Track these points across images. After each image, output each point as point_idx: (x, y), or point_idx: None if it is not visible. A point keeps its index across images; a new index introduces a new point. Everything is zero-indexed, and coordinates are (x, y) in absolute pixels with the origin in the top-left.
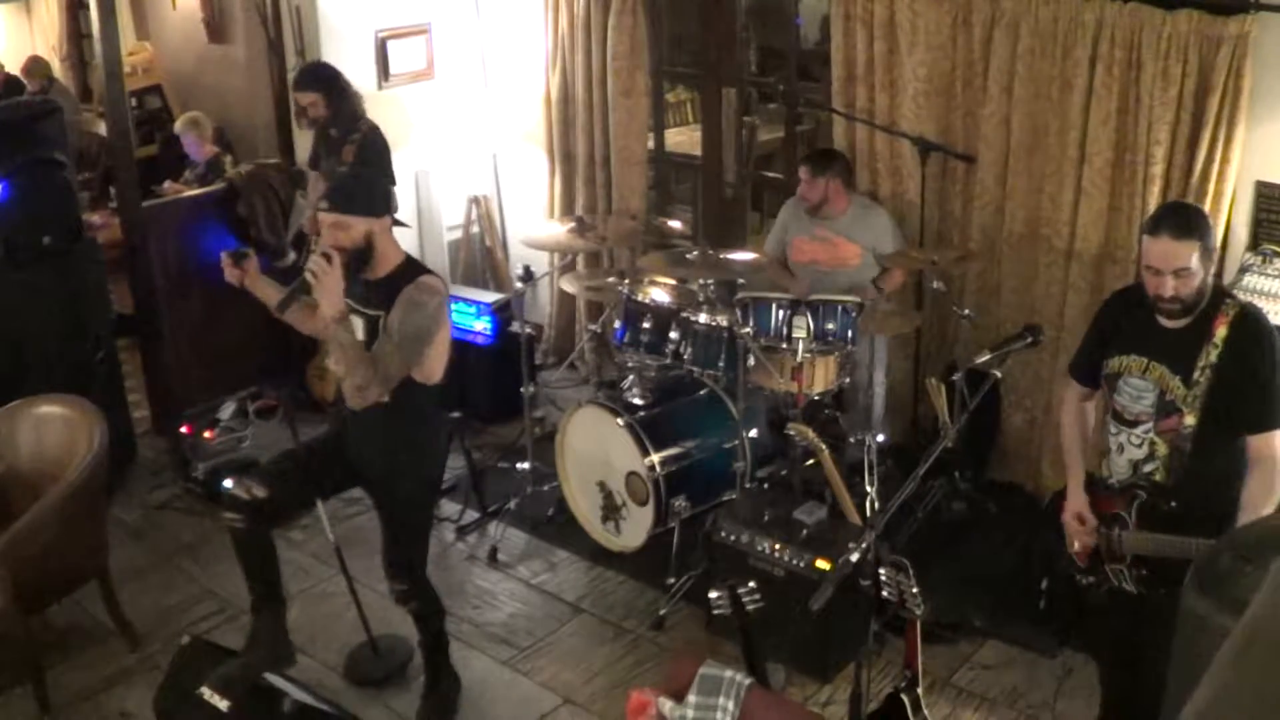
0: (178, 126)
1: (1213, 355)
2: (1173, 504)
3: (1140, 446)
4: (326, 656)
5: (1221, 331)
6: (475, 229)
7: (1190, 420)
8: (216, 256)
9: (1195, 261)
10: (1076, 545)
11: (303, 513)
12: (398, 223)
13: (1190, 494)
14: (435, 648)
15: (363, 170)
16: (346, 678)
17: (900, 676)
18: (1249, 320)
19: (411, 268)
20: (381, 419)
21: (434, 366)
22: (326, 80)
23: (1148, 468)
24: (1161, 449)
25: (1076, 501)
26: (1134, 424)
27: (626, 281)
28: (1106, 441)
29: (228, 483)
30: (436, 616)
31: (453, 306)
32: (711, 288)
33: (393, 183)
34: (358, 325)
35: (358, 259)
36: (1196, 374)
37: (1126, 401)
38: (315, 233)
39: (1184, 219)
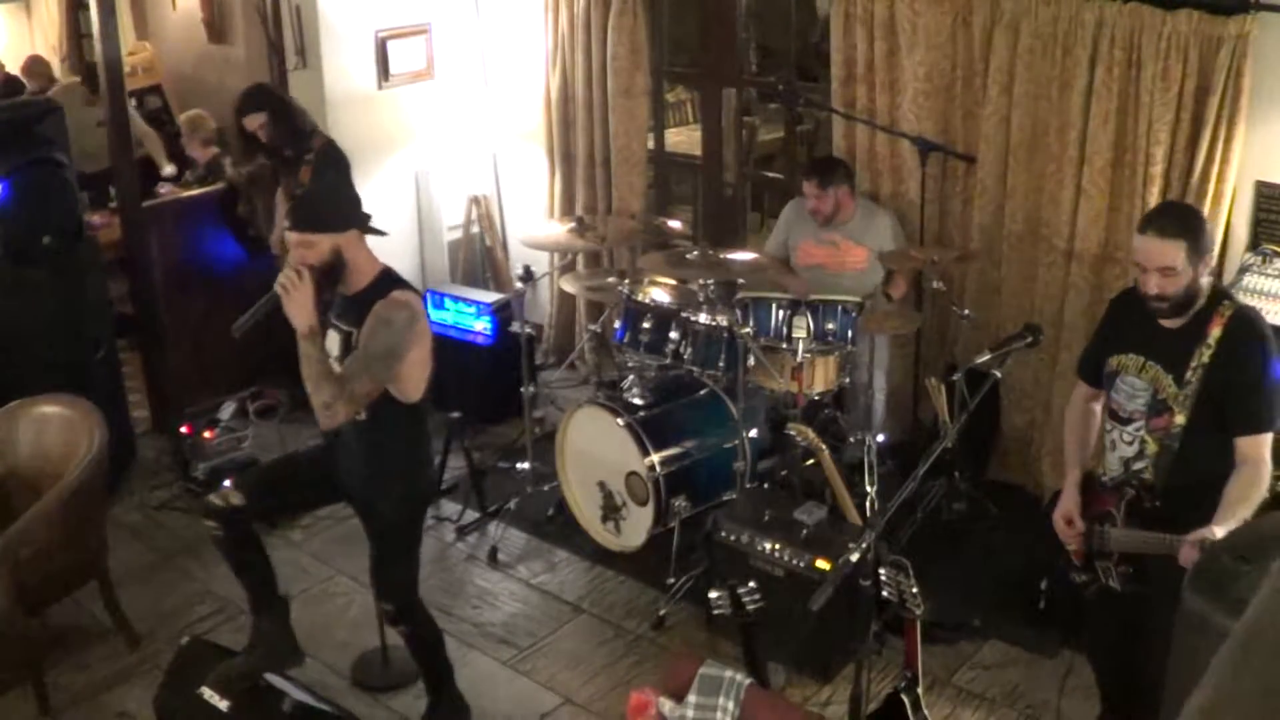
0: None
1: (1205, 356)
2: (1156, 502)
3: (1131, 444)
4: (327, 656)
5: (1215, 332)
6: (475, 229)
7: (1180, 419)
8: (216, 256)
9: (1181, 261)
10: (1071, 544)
11: (294, 519)
12: (374, 231)
13: (1176, 492)
14: (433, 672)
15: (324, 184)
16: (352, 680)
17: (900, 676)
18: (1242, 322)
19: (385, 282)
20: (363, 438)
21: (410, 386)
22: (267, 99)
23: (1137, 465)
24: (1151, 447)
25: (1068, 502)
26: (1128, 421)
27: (626, 281)
28: (1104, 439)
29: (226, 483)
30: (431, 641)
31: (453, 306)
32: (711, 288)
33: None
34: (333, 341)
35: (329, 275)
36: (1188, 374)
37: (1122, 399)
38: (283, 252)
39: (1172, 218)
